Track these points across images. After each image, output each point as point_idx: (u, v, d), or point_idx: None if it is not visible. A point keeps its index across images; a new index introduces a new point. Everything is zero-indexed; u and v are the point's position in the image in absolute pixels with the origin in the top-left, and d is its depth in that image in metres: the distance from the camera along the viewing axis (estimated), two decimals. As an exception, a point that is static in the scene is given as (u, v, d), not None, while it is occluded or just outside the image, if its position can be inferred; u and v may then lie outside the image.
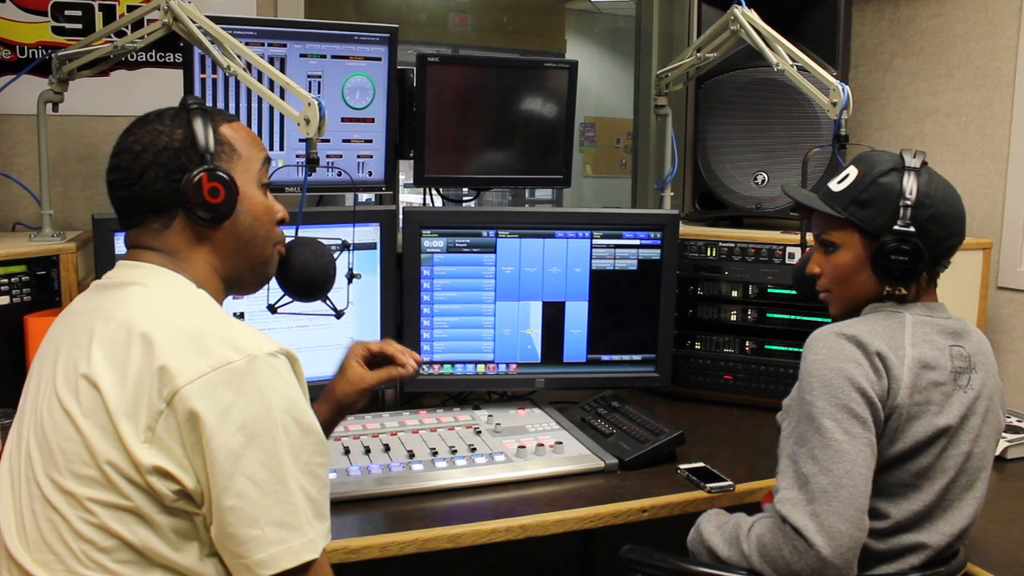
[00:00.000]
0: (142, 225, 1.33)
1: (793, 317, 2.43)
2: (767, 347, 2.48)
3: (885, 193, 1.56)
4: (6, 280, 1.98)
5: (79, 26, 2.40)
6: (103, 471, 1.13)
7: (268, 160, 1.44)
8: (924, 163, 1.57)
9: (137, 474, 1.12)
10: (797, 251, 2.35)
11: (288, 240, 1.65)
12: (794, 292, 2.17)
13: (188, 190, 1.29)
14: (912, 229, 1.52)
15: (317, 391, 2.10)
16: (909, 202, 1.53)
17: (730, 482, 1.93)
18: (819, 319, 2.34)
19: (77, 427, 1.15)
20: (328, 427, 1.71)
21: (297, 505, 1.16)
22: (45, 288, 2.04)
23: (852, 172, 1.62)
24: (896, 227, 1.53)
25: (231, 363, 1.15)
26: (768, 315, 2.46)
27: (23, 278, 2.00)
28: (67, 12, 2.39)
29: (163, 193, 1.30)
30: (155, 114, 1.35)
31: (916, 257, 1.53)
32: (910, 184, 1.53)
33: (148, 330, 1.17)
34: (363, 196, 2.59)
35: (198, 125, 1.32)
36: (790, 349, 2.43)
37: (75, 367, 1.19)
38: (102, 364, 1.17)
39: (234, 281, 1.39)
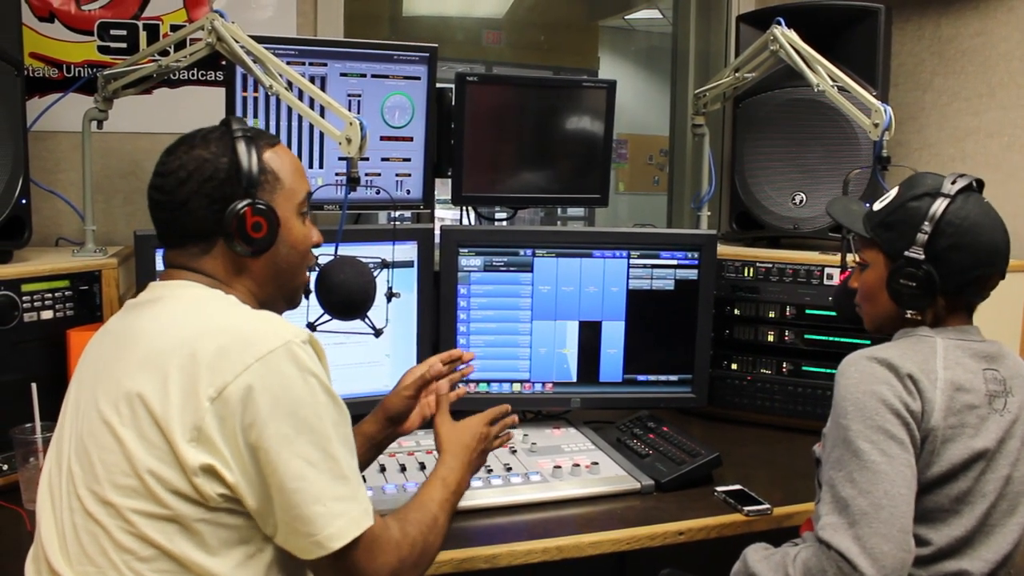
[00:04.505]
0: (181, 247, 1.35)
1: (831, 339, 2.41)
2: (804, 368, 2.45)
3: (909, 217, 1.56)
4: (49, 295, 2.00)
5: (124, 45, 2.44)
6: (143, 480, 1.15)
7: (310, 194, 1.45)
8: (967, 188, 1.55)
9: (183, 478, 1.15)
10: (836, 272, 2.33)
11: (329, 259, 1.67)
12: (832, 313, 2.16)
13: (231, 223, 1.31)
14: (922, 256, 1.52)
15: (352, 408, 2.12)
16: (927, 229, 1.52)
17: (768, 506, 1.91)
18: (858, 340, 2.31)
19: (118, 438, 1.18)
20: (378, 439, 1.76)
21: (348, 477, 1.22)
22: (87, 303, 2.06)
23: (893, 193, 1.63)
24: (908, 253, 1.54)
25: (272, 351, 1.19)
26: (806, 336, 2.44)
27: (66, 293, 2.03)
28: (112, 32, 2.43)
29: (206, 221, 1.32)
30: (200, 137, 1.35)
31: (926, 284, 1.53)
32: (935, 210, 1.53)
33: (185, 336, 1.21)
34: (396, 213, 2.61)
35: (243, 154, 1.32)
36: (828, 371, 2.40)
37: (116, 383, 1.21)
38: (143, 377, 1.19)
39: (267, 306, 1.40)
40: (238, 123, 1.36)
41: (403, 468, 2.01)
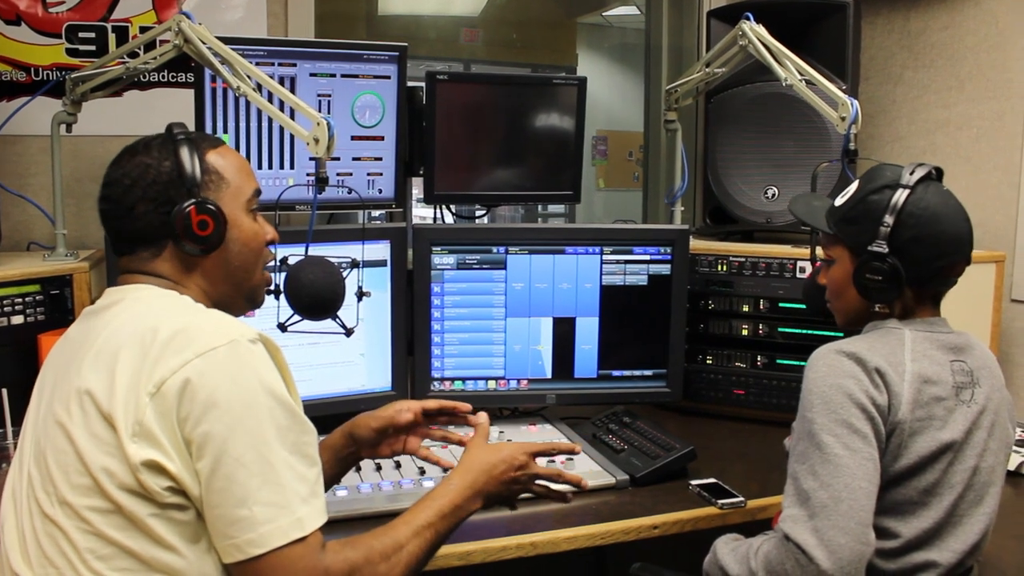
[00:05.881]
0: (133, 253, 1.36)
1: (804, 331, 2.42)
2: (778, 361, 2.47)
3: (870, 211, 1.56)
4: (20, 299, 1.99)
5: (92, 48, 2.42)
6: (95, 478, 1.16)
7: (258, 192, 1.45)
8: (927, 178, 1.56)
9: (129, 474, 1.15)
10: (808, 265, 2.34)
11: (297, 259, 1.67)
12: (804, 306, 2.17)
13: (177, 223, 1.31)
14: (885, 250, 1.53)
15: (327, 408, 2.12)
16: (888, 222, 1.53)
17: (742, 498, 1.92)
18: (830, 333, 2.33)
19: (70, 437, 1.18)
20: (343, 454, 1.65)
21: (285, 485, 1.18)
22: (59, 307, 2.05)
23: (853, 187, 1.63)
24: (872, 247, 1.54)
25: (214, 349, 1.18)
26: (779, 329, 2.46)
27: (37, 297, 2.02)
28: (81, 34, 2.42)
29: (153, 225, 1.33)
30: (143, 145, 1.36)
31: (892, 277, 1.54)
32: (895, 202, 1.53)
33: (134, 333, 1.21)
34: (376, 213, 2.60)
35: (184, 156, 1.33)
36: (802, 363, 2.39)
37: (69, 384, 1.22)
38: (92, 374, 1.20)
39: (224, 306, 1.39)
40: (179, 128, 1.38)
41: (379, 467, 2.01)
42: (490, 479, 1.47)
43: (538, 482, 1.56)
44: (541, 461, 1.64)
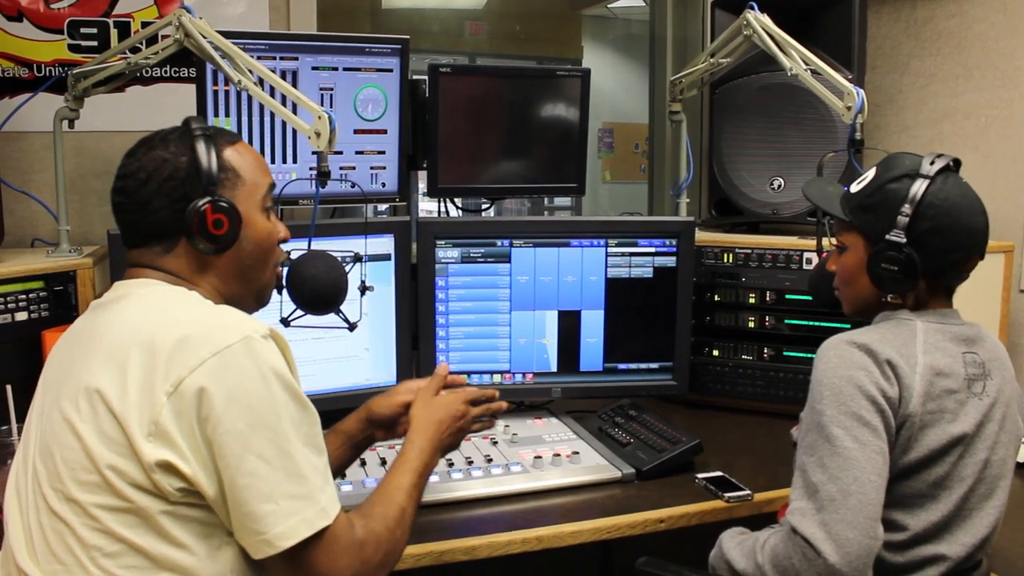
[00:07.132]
0: (144, 247, 1.35)
1: (811, 323, 2.41)
2: (785, 354, 2.45)
3: (888, 199, 1.53)
4: (24, 296, 2.00)
5: (95, 43, 2.42)
6: (104, 476, 1.16)
7: (272, 188, 1.44)
8: (946, 169, 1.53)
9: (141, 473, 1.15)
10: (814, 256, 2.32)
11: (299, 254, 1.66)
12: (811, 298, 2.15)
13: (192, 221, 1.30)
14: (904, 240, 1.50)
15: (332, 402, 2.11)
16: (907, 211, 1.50)
17: (748, 491, 1.91)
18: (837, 324, 2.31)
19: (78, 435, 1.18)
20: (359, 439, 1.71)
21: (306, 476, 1.20)
22: (63, 303, 2.06)
23: (870, 174, 1.61)
24: (889, 236, 1.52)
25: (229, 346, 1.18)
26: (786, 321, 2.44)
27: (41, 294, 2.03)
28: (83, 30, 2.41)
29: (168, 221, 1.32)
30: (159, 138, 1.35)
31: (908, 268, 1.51)
32: (915, 192, 1.50)
33: (145, 331, 1.21)
34: (380, 207, 2.59)
35: (201, 152, 1.32)
36: (809, 355, 2.38)
37: (77, 381, 1.22)
38: (103, 372, 1.19)
39: (233, 304, 1.38)
40: (197, 122, 1.36)
41: (383, 462, 2.01)
42: (444, 433, 1.58)
43: (475, 425, 1.69)
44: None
